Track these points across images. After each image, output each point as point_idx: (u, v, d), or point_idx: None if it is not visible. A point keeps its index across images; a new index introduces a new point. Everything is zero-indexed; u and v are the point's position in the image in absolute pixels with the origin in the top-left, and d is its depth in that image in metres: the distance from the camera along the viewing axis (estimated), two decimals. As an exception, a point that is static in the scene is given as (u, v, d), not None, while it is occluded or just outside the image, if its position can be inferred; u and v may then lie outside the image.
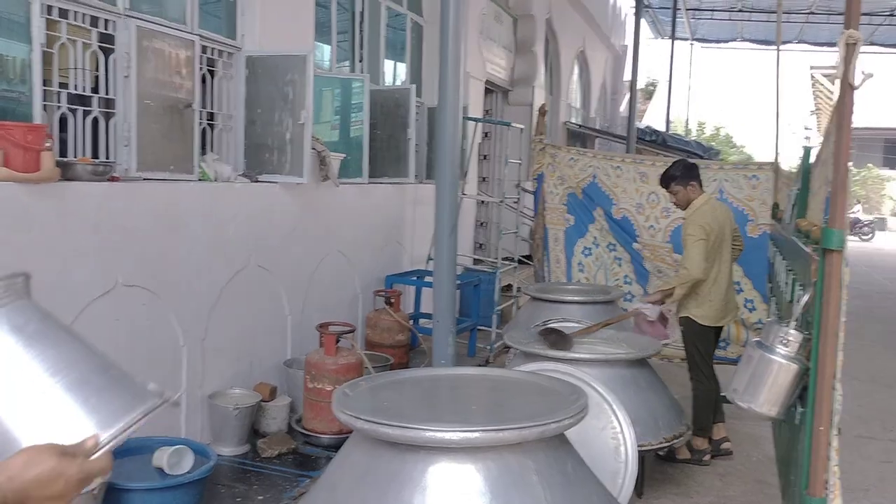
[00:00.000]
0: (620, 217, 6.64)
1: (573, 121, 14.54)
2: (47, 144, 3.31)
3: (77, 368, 1.24)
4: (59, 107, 3.74)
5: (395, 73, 7.80)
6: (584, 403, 2.31)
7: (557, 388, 2.56)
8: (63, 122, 3.78)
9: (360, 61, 6.77)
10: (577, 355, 3.88)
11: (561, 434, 2.28)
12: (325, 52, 6.57)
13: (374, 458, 2.22)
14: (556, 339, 4.07)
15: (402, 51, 7.76)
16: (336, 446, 3.60)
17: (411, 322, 6.13)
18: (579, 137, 14.51)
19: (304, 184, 4.93)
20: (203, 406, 4.36)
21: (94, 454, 1.12)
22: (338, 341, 4.58)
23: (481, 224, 10.04)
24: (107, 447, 1.15)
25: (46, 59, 3.65)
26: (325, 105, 5.80)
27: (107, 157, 4.00)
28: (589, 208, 6.82)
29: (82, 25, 3.84)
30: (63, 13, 3.71)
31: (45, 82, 3.65)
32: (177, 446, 3.56)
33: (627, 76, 14.78)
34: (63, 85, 3.79)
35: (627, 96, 14.66)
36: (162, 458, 3.50)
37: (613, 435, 3.18)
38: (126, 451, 3.56)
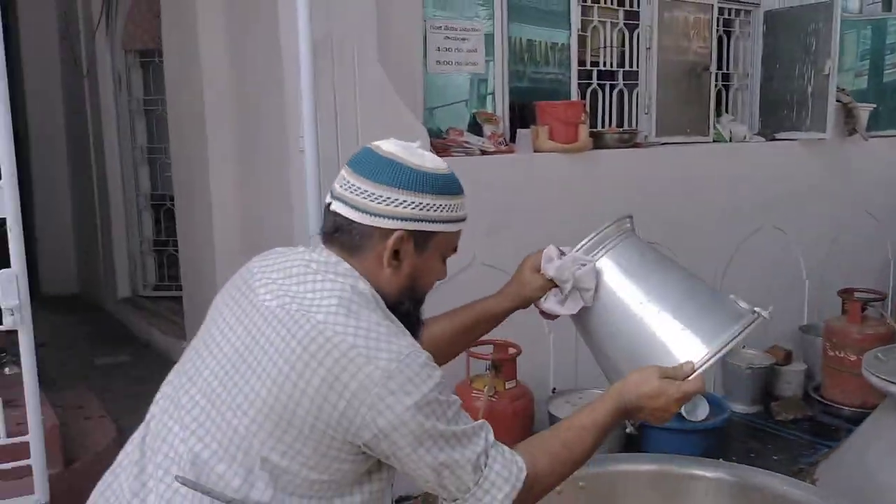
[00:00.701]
0: None
1: None
2: (583, 118, 3.77)
3: (674, 295, 1.47)
4: (590, 84, 4.21)
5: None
6: None
7: None
8: (594, 95, 4.24)
9: (897, -2, 6.01)
10: None
11: None
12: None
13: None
14: None
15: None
16: (857, 420, 3.41)
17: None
18: None
19: (826, 140, 4.64)
20: (717, 363, 4.48)
21: (689, 376, 1.37)
22: (863, 309, 4.26)
23: None
24: (702, 368, 1.39)
25: (581, 42, 4.13)
26: (848, 51, 5.33)
27: (630, 126, 4.36)
28: None
29: (611, 7, 4.23)
30: (595, -1, 4.15)
31: (580, 63, 4.14)
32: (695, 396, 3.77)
33: None
34: (594, 63, 4.24)
35: None
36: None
37: None
38: (645, 395, 3.91)
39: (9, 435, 2.61)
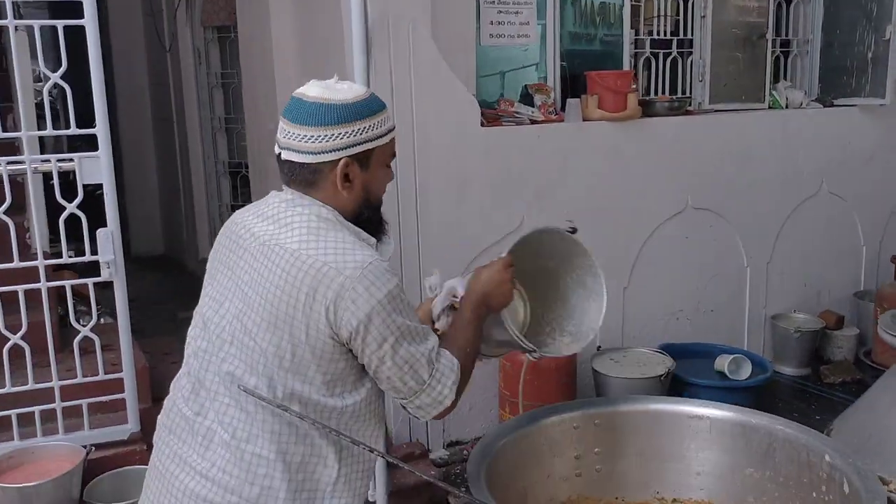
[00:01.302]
0: None
1: None
2: (632, 87, 3.90)
3: None
4: (643, 52, 4.31)
5: None
6: None
7: None
8: (647, 64, 4.34)
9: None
10: None
11: None
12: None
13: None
14: None
15: None
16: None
17: None
18: None
19: (886, 105, 4.62)
20: (766, 325, 4.59)
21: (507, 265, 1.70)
22: (917, 275, 4.28)
23: None
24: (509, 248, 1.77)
25: (634, 11, 4.23)
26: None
27: (683, 93, 4.44)
28: None
29: (665, -24, 4.31)
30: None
31: (634, 32, 4.24)
32: (736, 355, 3.90)
33: None
34: (647, 32, 4.33)
35: None
36: (723, 363, 3.88)
37: None
38: (694, 354, 4.06)
39: (106, 373, 2.99)
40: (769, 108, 4.59)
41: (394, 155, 1.65)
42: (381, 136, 1.56)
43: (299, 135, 1.51)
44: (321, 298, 1.43)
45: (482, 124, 3.54)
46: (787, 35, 4.83)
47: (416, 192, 3.38)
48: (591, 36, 4.28)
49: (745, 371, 3.86)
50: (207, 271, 1.67)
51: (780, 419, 1.93)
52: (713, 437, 1.97)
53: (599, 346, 3.92)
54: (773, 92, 4.65)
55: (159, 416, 1.66)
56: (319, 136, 1.49)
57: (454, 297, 1.70)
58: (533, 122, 3.73)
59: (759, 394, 3.88)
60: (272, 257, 1.48)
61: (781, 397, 4.19)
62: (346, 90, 1.54)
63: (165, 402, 1.66)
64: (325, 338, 1.45)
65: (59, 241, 2.83)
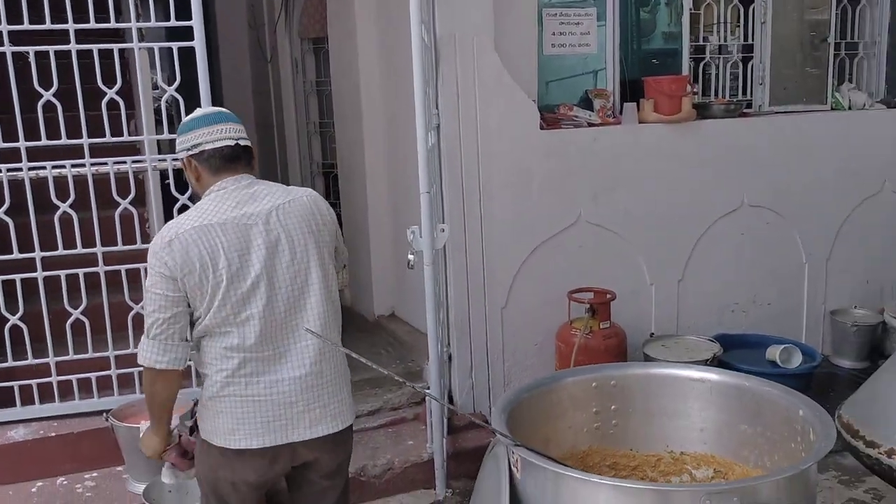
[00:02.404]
0: None
1: None
2: (688, 91, 4.15)
3: None
4: (703, 57, 4.54)
5: None
6: None
7: None
8: (706, 69, 4.57)
9: None
10: None
11: None
12: None
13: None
14: None
15: None
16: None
17: None
18: None
19: (953, 107, 4.68)
20: (825, 320, 4.73)
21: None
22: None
23: None
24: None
25: (694, 18, 4.47)
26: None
27: (744, 96, 4.65)
28: None
29: (725, -15, 4.54)
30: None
31: (693, 38, 4.49)
32: (787, 345, 4.09)
33: None
34: (706, 38, 4.57)
35: None
36: (774, 353, 4.07)
37: None
38: (747, 344, 4.27)
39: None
40: (831, 109, 4.73)
41: None
42: None
43: (240, 128, 2.13)
44: (334, 217, 2.28)
45: (542, 127, 3.89)
46: (853, 38, 4.94)
47: (479, 189, 3.76)
48: (651, 43, 4.56)
49: (796, 360, 4.04)
50: (224, 282, 2.01)
51: (767, 382, 2.20)
52: (713, 398, 2.25)
53: (653, 333, 4.20)
54: (836, 94, 4.79)
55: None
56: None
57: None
58: (591, 125, 4.04)
59: (808, 382, 4.06)
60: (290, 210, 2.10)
61: (835, 388, 4.34)
62: None
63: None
64: (336, 241, 2.25)
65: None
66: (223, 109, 2.21)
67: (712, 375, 2.28)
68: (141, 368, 2.07)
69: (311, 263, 2.07)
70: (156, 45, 3.32)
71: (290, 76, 6.42)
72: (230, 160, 2.08)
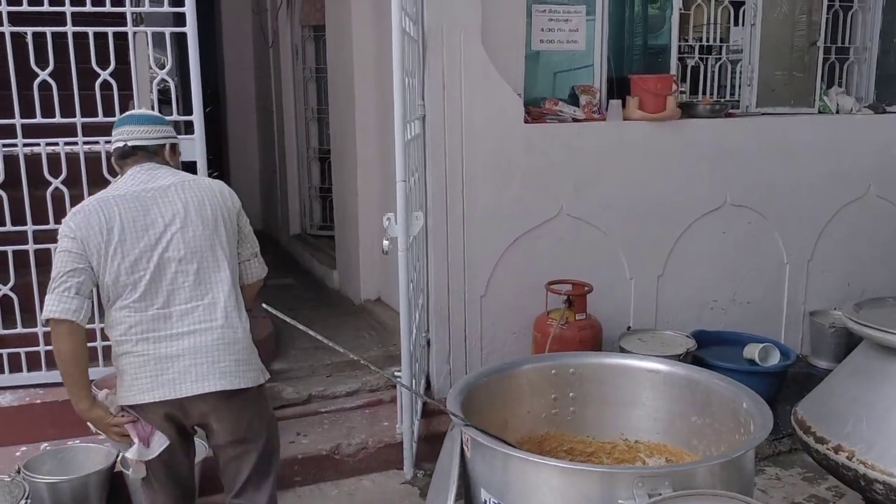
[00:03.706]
0: None
1: None
2: (673, 90, 4.22)
3: None
4: (692, 57, 4.60)
5: None
6: None
7: None
8: (695, 69, 4.62)
9: None
10: None
11: None
12: None
13: (868, 360, 2.53)
14: None
15: None
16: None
17: None
18: None
19: (940, 113, 4.73)
20: (804, 320, 4.81)
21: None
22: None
23: None
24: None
25: (684, 18, 4.52)
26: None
27: (731, 97, 4.71)
28: None
29: (716, -14, 4.59)
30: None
31: (683, 38, 4.54)
32: (766, 344, 4.16)
33: None
34: (696, 39, 4.63)
35: None
36: (752, 351, 4.13)
37: None
38: (724, 341, 4.35)
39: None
40: (819, 113, 4.79)
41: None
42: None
43: (141, 129, 2.39)
44: (236, 201, 2.51)
45: (526, 121, 3.96)
46: (844, 42, 4.99)
47: (462, 179, 3.84)
48: (639, 42, 4.62)
49: (775, 359, 4.11)
50: (116, 241, 2.22)
51: (717, 375, 2.28)
52: (666, 389, 2.33)
53: (629, 327, 4.28)
54: (825, 97, 4.84)
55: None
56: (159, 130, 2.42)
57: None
58: (576, 120, 4.12)
59: (781, 381, 4.14)
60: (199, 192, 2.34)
61: (809, 387, 4.38)
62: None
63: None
64: (236, 226, 2.46)
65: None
66: (136, 112, 2.51)
67: (663, 367, 2.36)
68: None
69: (208, 234, 2.27)
70: (148, 30, 3.41)
71: (291, 62, 6.51)
72: (127, 156, 2.37)
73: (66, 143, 3.45)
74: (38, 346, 3.52)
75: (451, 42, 3.68)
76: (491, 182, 3.91)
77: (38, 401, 3.50)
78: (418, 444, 3.50)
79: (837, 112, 4.82)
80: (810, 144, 4.63)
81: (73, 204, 3.45)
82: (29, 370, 3.56)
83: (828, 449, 2.41)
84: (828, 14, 4.79)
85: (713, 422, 2.25)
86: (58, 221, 3.46)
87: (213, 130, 7.11)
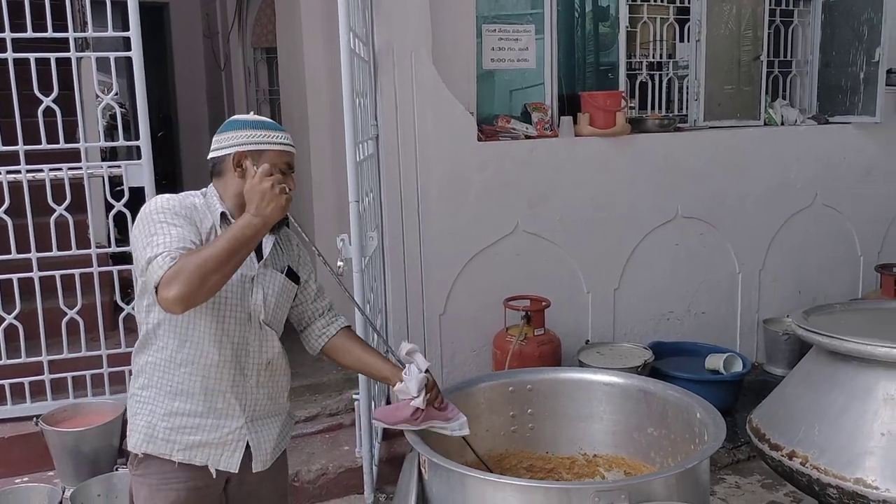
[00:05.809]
0: None
1: None
2: (622, 106, 4.28)
3: None
4: (639, 73, 4.68)
5: None
6: None
7: None
8: (643, 85, 4.70)
9: None
10: None
11: None
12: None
13: (818, 366, 2.57)
14: None
15: None
16: None
17: None
18: None
19: (879, 124, 4.87)
20: (758, 328, 4.89)
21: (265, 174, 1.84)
22: (899, 283, 4.52)
23: None
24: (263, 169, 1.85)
25: (630, 36, 4.60)
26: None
27: (679, 111, 4.79)
28: None
29: (662, 4, 4.68)
30: (644, -3, 4.61)
31: (630, 55, 4.62)
32: (729, 354, 4.21)
33: None
34: (643, 55, 4.71)
35: None
36: (716, 362, 4.17)
37: None
38: (683, 352, 4.41)
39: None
40: (764, 125, 4.90)
41: (290, 166, 2.02)
42: (268, 144, 1.98)
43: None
44: None
45: (479, 139, 3.98)
46: (787, 56, 5.13)
47: (417, 198, 3.84)
48: (589, 59, 4.69)
49: (737, 367, 4.16)
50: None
51: (671, 386, 2.30)
52: (623, 402, 2.35)
53: (588, 340, 4.30)
54: (770, 110, 4.96)
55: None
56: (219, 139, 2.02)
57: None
58: (528, 137, 4.15)
59: (738, 389, 4.20)
60: None
61: (765, 394, 4.45)
62: (252, 115, 2.07)
63: None
64: None
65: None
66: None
67: (619, 379, 2.38)
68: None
69: None
70: (92, 55, 3.35)
71: (244, 84, 6.47)
72: None
73: (9, 172, 3.36)
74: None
75: (402, 62, 3.69)
76: (446, 200, 3.91)
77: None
78: (380, 468, 3.47)
79: (782, 124, 4.94)
80: (757, 156, 4.73)
81: (16, 234, 3.44)
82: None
83: (782, 455, 2.45)
84: (770, 29, 4.92)
85: (669, 433, 2.27)
86: (1, 252, 3.45)
87: (166, 154, 7.05)
